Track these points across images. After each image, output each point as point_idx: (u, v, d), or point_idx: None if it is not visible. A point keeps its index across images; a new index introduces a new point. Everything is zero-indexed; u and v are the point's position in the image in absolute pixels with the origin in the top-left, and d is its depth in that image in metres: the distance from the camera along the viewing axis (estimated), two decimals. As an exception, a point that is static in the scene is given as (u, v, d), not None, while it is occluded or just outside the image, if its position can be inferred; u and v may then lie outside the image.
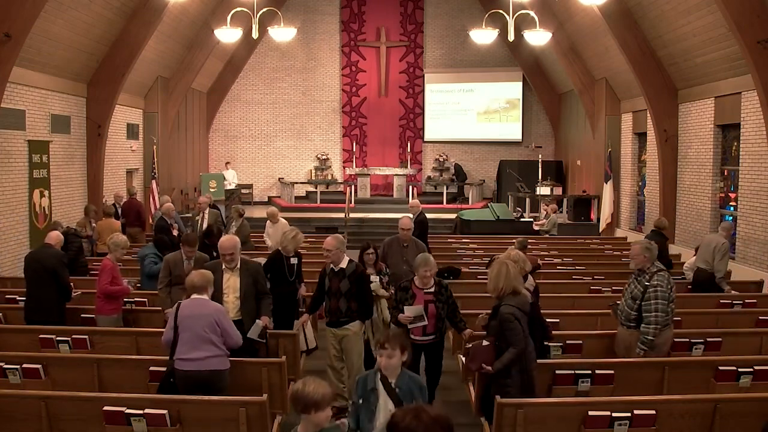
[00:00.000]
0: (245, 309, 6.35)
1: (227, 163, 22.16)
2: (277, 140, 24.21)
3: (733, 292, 9.28)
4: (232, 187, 20.66)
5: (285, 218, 12.38)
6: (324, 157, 24.14)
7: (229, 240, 6.44)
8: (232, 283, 6.33)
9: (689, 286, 9.87)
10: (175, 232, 11.28)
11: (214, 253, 8.01)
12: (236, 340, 5.57)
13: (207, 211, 12.19)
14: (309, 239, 12.75)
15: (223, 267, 6.34)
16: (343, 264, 6.64)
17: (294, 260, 7.70)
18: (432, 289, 6.37)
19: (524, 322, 5.38)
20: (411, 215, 9.47)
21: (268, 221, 11.95)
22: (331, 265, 6.68)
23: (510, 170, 21.38)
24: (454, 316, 6.46)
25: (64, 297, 7.66)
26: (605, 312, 8.35)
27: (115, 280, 7.46)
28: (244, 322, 6.25)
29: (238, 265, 6.36)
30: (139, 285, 8.70)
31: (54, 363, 6.05)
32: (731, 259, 12.36)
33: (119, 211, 13.10)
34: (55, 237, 7.91)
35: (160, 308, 7.62)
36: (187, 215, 13.09)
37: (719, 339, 6.98)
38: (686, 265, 10.64)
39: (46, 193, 12.63)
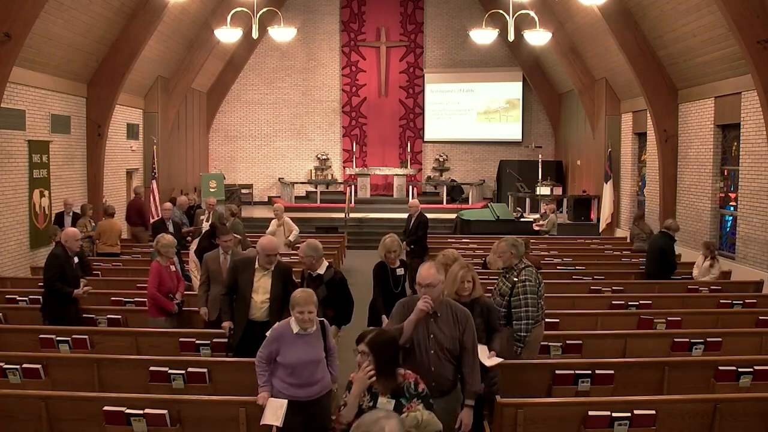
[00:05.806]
0: (272, 309, 6.24)
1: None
2: (277, 140, 24.20)
3: None
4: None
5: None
6: (324, 157, 24.13)
7: (271, 241, 6.32)
8: (263, 282, 6.25)
9: (689, 287, 9.90)
10: (186, 229, 12.01)
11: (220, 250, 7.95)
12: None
13: (212, 212, 12.50)
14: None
15: (257, 265, 6.23)
16: (321, 270, 6.49)
17: (400, 271, 7.24)
18: None
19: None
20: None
21: (274, 219, 12.03)
22: (309, 271, 6.54)
23: (510, 170, 21.39)
24: None
25: (53, 297, 7.42)
26: (605, 312, 8.38)
27: (162, 283, 7.22)
28: (271, 323, 6.00)
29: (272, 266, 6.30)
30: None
31: (54, 363, 6.05)
32: (732, 259, 12.43)
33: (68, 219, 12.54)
34: (64, 234, 7.68)
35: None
36: (200, 208, 13.28)
37: (719, 339, 6.99)
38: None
39: (46, 193, 12.61)
